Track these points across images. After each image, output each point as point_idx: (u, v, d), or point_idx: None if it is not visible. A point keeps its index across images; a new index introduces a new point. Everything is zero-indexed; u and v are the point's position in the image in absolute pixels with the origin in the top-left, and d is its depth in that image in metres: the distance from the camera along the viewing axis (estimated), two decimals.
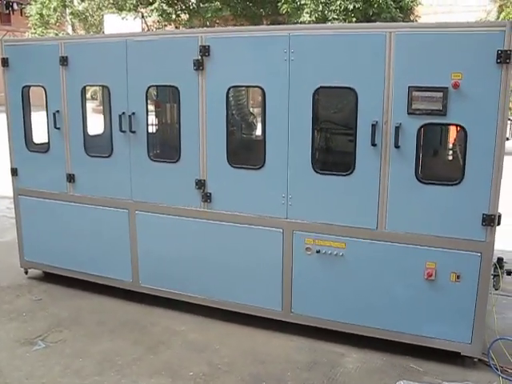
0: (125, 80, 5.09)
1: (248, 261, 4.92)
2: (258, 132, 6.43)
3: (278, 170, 4.62)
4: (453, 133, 5.33)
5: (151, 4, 20.20)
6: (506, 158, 4.01)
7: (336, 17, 18.06)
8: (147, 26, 21.96)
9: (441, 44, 3.99)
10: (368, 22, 15.38)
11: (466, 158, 4.07)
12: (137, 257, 5.42)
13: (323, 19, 17.67)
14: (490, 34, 3.85)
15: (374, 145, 4.25)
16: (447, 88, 3.98)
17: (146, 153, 5.13)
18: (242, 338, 4.90)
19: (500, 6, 19.40)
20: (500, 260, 4.69)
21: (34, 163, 5.80)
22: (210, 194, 4.93)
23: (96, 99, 22.03)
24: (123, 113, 5.13)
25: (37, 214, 5.93)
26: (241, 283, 4.99)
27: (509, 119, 4.08)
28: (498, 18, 18.38)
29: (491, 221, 4.06)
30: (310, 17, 18.36)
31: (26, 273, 6.26)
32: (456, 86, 3.95)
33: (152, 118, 5.41)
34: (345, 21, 17.45)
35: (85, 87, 5.41)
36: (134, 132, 5.12)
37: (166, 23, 21.14)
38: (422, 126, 4.16)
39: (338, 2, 17.42)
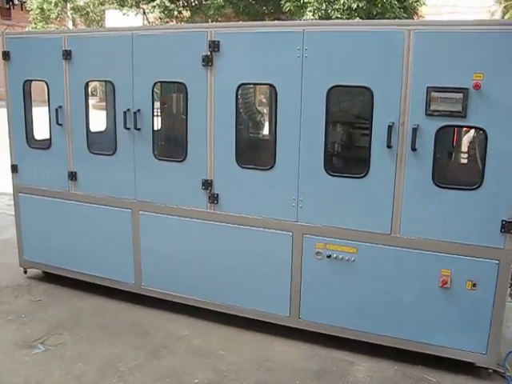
0: (130, 75, 4.93)
1: (255, 264, 4.76)
2: (266, 131, 6.29)
3: (289, 172, 4.46)
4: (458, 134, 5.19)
5: (153, 0, 20.02)
6: None
7: (339, 16, 17.91)
8: (148, 22, 21.79)
9: (462, 43, 3.84)
10: None
11: (485, 161, 3.90)
12: (140, 258, 5.26)
13: (326, 18, 17.51)
14: None
15: (389, 147, 4.10)
16: (468, 89, 3.83)
17: (151, 151, 4.97)
18: (247, 344, 4.74)
19: (505, 7, 19.25)
20: None
21: (35, 160, 5.63)
22: (217, 194, 4.77)
23: (96, 95, 21.84)
24: (128, 109, 4.96)
25: (37, 213, 5.76)
26: (247, 287, 4.84)
27: None
28: (503, 18, 18.23)
29: (510, 227, 3.91)
30: (313, 15, 18.22)
31: (26, 272, 6.10)
32: (477, 86, 3.79)
33: (158, 115, 5.22)
34: (348, 20, 17.26)
35: (88, 82, 5.22)
36: (138, 129, 4.96)
37: (168, 20, 20.95)
38: (440, 128, 4.00)
39: (342, 1, 17.24)
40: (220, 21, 20.93)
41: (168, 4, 19.96)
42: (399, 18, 17.28)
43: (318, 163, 4.36)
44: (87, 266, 5.58)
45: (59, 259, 5.74)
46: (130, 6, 20.50)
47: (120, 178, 5.20)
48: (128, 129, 4.99)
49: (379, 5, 17.34)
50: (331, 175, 4.35)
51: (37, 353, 4.54)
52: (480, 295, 4.09)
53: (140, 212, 5.15)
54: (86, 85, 5.22)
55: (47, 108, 5.43)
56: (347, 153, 4.88)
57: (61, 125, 5.37)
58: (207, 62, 4.55)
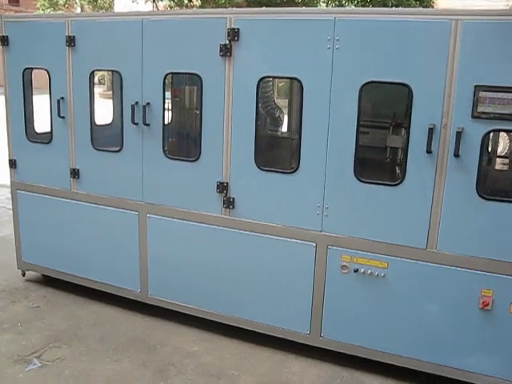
0: (139, 65, 4.48)
1: (274, 276, 4.33)
2: (284, 128, 5.84)
3: (314, 176, 4.02)
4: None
5: None
6: None
7: (354, 7, 17.41)
8: (158, 10, 21.24)
9: None
10: None
11: None
12: (146, 265, 4.83)
13: None
14: None
15: (429, 152, 3.64)
16: None
17: (162, 149, 4.52)
18: (262, 363, 4.33)
19: None
20: None
21: (35, 155, 5.21)
22: (234, 199, 4.32)
23: (104, 84, 21.36)
24: (136, 103, 4.52)
25: (36, 212, 5.34)
26: (264, 300, 4.41)
27: None
28: None
29: None
30: (326, 6, 17.72)
31: (24, 275, 5.69)
32: None
33: (169, 109, 4.77)
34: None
35: (93, 72, 4.77)
36: (148, 125, 4.52)
37: (178, 8, 20.42)
38: (488, 133, 3.54)
39: None
40: None
41: None
42: None
43: (348, 168, 3.91)
44: (89, 271, 5.16)
45: (59, 262, 5.33)
46: None
47: (126, 178, 4.77)
48: (136, 124, 4.55)
49: None
50: (362, 182, 3.90)
51: (32, 369, 4.14)
52: None
53: (148, 215, 4.72)
54: (91, 74, 4.78)
55: (49, 99, 4.98)
56: (381, 157, 4.41)
57: (63, 117, 4.93)
58: (225, 52, 4.10)
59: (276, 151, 4.92)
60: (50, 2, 22.34)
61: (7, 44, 5.04)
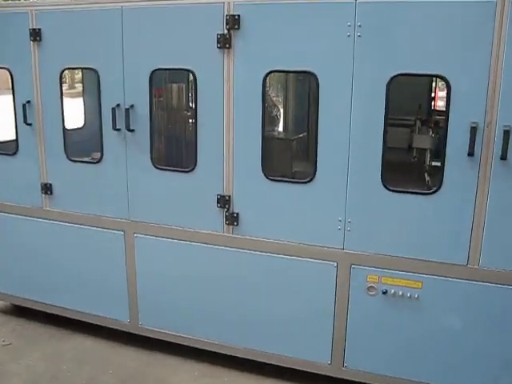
0: (120, 61, 3.82)
1: (288, 301, 3.76)
2: (280, 128, 5.25)
3: (335, 185, 3.45)
4: None
5: None
6: None
7: None
8: None
9: None
10: None
11: None
12: (135, 291, 4.20)
13: None
14: None
15: (470, 154, 3.11)
16: None
17: (149, 158, 3.88)
18: None
19: None
20: None
21: None
22: (237, 214, 3.72)
23: (65, 82, 20.21)
24: (118, 105, 3.86)
25: (3, 233, 4.63)
26: (277, 329, 3.85)
27: None
28: None
29: None
30: None
31: None
32: None
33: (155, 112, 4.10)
34: None
35: (64, 70, 4.07)
36: (132, 131, 3.86)
37: None
38: None
39: None
40: None
41: None
42: None
43: (374, 175, 3.35)
44: (68, 299, 4.50)
45: (32, 290, 4.64)
46: None
47: (108, 192, 4.11)
48: (118, 130, 3.90)
49: None
50: (391, 190, 3.35)
51: None
52: None
53: (135, 235, 4.08)
54: (61, 73, 4.07)
55: (12, 102, 4.27)
56: (413, 162, 3.87)
57: (30, 124, 4.22)
58: (224, 43, 3.48)
59: (289, 157, 4.31)
60: None
61: None
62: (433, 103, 3.97)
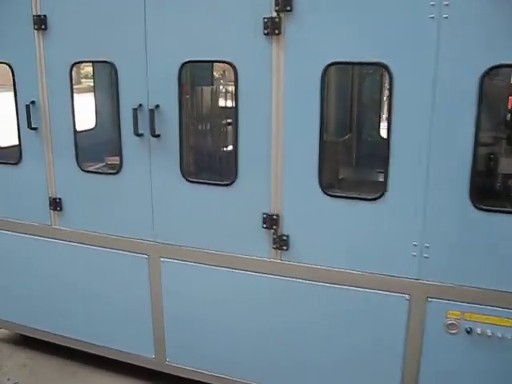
0: (143, 54, 3.17)
1: (347, 339, 3.13)
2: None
3: (409, 202, 2.80)
4: None
5: None
6: None
7: None
8: None
9: None
10: None
11: None
12: (162, 324, 3.58)
13: None
14: None
15: None
16: None
17: (179, 169, 3.24)
18: None
19: None
20: None
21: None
22: (287, 237, 3.08)
23: None
24: (140, 106, 3.21)
25: (8, 254, 4.02)
26: (336, 369, 3.21)
27: None
28: None
29: None
30: None
31: None
32: None
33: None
34: None
35: (75, 64, 3.42)
36: (157, 136, 3.22)
37: None
38: None
39: None
40: None
41: None
42: None
43: (460, 190, 2.71)
44: (84, 331, 3.89)
45: (43, 319, 4.04)
46: None
47: (130, 209, 3.47)
48: (140, 135, 3.25)
49: None
50: (481, 209, 2.70)
51: None
52: None
53: (161, 259, 3.45)
54: (72, 68, 3.42)
55: (13, 103, 3.63)
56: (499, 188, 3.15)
57: (35, 129, 3.58)
58: (272, 28, 2.82)
59: (352, 168, 3.65)
60: None
61: None
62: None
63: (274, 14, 2.82)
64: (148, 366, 3.72)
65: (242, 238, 3.20)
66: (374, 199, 2.87)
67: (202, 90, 3.88)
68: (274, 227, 3.09)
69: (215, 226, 3.26)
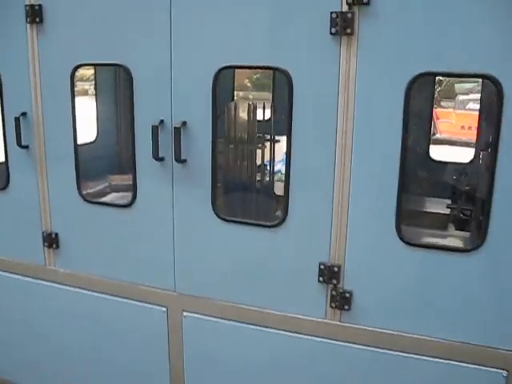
0: (167, 55, 2.46)
1: None
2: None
3: None
4: None
5: None
6: None
7: None
8: None
9: None
10: None
11: None
12: None
13: None
14: None
15: None
16: None
17: (211, 204, 2.54)
18: None
19: None
20: None
21: None
22: (350, 293, 2.40)
23: None
24: (161, 122, 2.51)
25: None
26: None
27: None
28: None
29: None
30: None
31: None
32: None
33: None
34: None
35: (77, 68, 2.70)
36: (183, 161, 2.51)
37: None
38: None
39: None
40: None
41: None
42: None
43: None
44: None
45: (40, 377, 3.30)
46: None
47: (145, 250, 2.77)
48: (161, 159, 2.54)
49: None
50: None
51: None
52: None
53: (184, 313, 2.75)
54: (74, 72, 2.71)
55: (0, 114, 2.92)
56: None
57: (26, 147, 2.87)
58: (343, 27, 2.14)
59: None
60: None
61: None
62: None
63: (346, 8, 2.13)
64: None
65: (290, 294, 2.52)
66: (472, 250, 2.19)
67: (235, 104, 3.17)
68: (334, 281, 2.41)
69: (256, 277, 2.57)
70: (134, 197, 2.69)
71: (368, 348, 2.44)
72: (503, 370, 2.27)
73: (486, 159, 2.69)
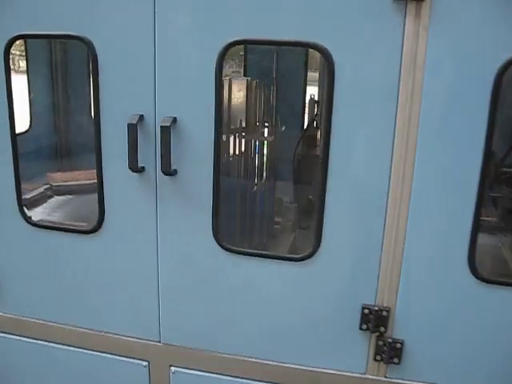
0: (150, 24, 1.72)
1: None
2: None
3: None
4: None
5: None
6: None
7: None
8: None
9: None
10: None
11: None
12: None
13: None
14: None
15: None
16: None
17: (211, 229, 1.86)
18: None
19: None
20: None
21: None
22: (402, 344, 1.84)
23: None
24: (141, 118, 1.78)
25: None
26: None
27: None
28: None
29: None
30: None
31: None
32: None
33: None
34: None
35: (13, 41, 1.91)
36: (172, 173, 1.81)
37: None
38: None
39: None
40: None
41: None
42: None
43: None
44: None
45: None
46: None
47: (117, 293, 2.06)
48: (140, 170, 1.83)
49: None
50: None
51: None
52: None
53: (172, 369, 2.09)
54: (10, 46, 1.91)
55: None
56: None
57: None
58: None
59: None
60: None
61: None
62: None
63: None
64: None
65: (321, 344, 1.93)
66: None
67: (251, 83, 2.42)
68: (381, 328, 1.83)
69: (275, 323, 1.94)
70: (101, 220, 1.97)
71: None
72: None
73: None
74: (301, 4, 1.62)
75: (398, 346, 1.84)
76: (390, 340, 1.84)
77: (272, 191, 2.57)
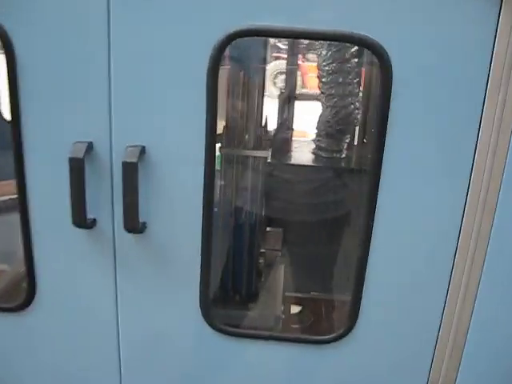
0: (102, 8, 1.08)
1: None
2: None
3: None
4: None
5: None
6: None
7: None
8: None
9: None
10: None
11: None
12: None
13: None
14: None
15: None
16: None
17: (199, 303, 1.28)
18: None
19: None
20: None
21: None
22: None
23: None
24: (89, 147, 1.16)
25: None
26: None
27: None
28: None
29: None
30: None
31: None
32: None
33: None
34: None
35: None
36: (140, 230, 1.20)
37: None
38: None
39: None
40: None
41: None
42: None
43: None
44: None
45: None
46: None
47: None
48: (89, 226, 1.20)
49: None
50: None
51: None
52: None
53: None
54: None
55: None
56: None
57: None
58: None
59: None
60: None
61: None
62: None
63: None
64: None
65: None
66: None
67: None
68: None
69: None
70: (32, 293, 1.32)
71: None
72: None
73: None
74: None
75: None
76: None
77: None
